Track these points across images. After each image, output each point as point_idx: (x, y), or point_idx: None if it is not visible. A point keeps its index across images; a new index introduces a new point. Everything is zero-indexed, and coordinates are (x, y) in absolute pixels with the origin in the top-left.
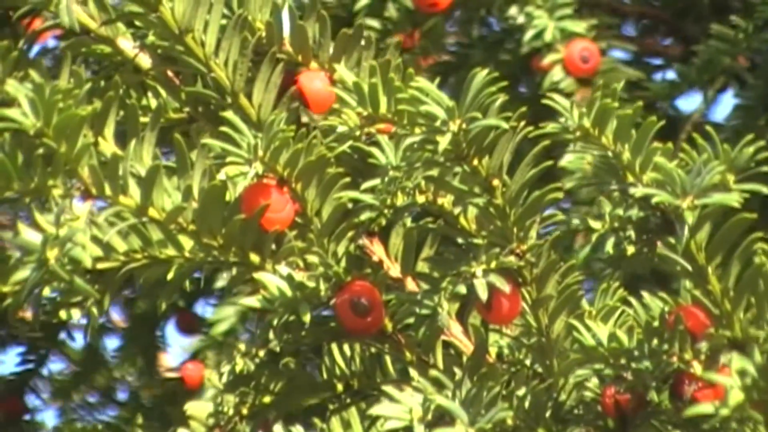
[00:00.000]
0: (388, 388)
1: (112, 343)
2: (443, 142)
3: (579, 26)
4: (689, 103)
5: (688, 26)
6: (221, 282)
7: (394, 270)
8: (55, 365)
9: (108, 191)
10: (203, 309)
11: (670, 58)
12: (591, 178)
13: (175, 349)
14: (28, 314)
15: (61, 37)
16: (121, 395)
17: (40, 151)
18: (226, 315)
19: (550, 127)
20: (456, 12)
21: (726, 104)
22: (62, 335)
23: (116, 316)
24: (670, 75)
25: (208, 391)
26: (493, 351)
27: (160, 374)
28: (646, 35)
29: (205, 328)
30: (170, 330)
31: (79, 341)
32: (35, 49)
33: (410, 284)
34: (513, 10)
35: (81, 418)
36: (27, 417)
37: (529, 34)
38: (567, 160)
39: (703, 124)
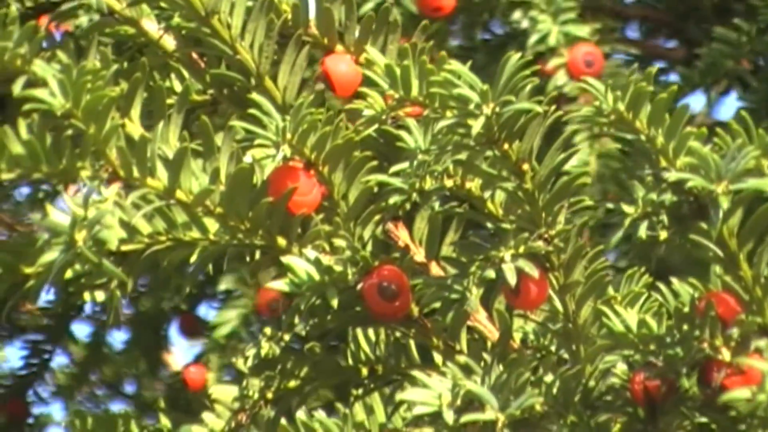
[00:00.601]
0: (417, 373)
1: (116, 339)
2: (476, 125)
3: (582, 30)
4: (693, 106)
5: (691, 29)
6: (224, 285)
7: (419, 255)
8: (60, 358)
9: (136, 173)
10: (206, 312)
11: (673, 61)
12: (595, 182)
13: (180, 350)
14: (34, 309)
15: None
16: (128, 388)
17: (69, 132)
18: (228, 318)
19: (585, 110)
20: (459, 16)
21: (729, 107)
22: (68, 330)
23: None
24: (673, 78)
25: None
26: (517, 337)
27: (163, 375)
28: (649, 38)
29: (208, 331)
30: (174, 333)
31: (83, 339)
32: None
33: (434, 269)
34: (517, 15)
35: (88, 410)
36: (30, 420)
37: (533, 38)
38: (571, 164)
39: (707, 123)
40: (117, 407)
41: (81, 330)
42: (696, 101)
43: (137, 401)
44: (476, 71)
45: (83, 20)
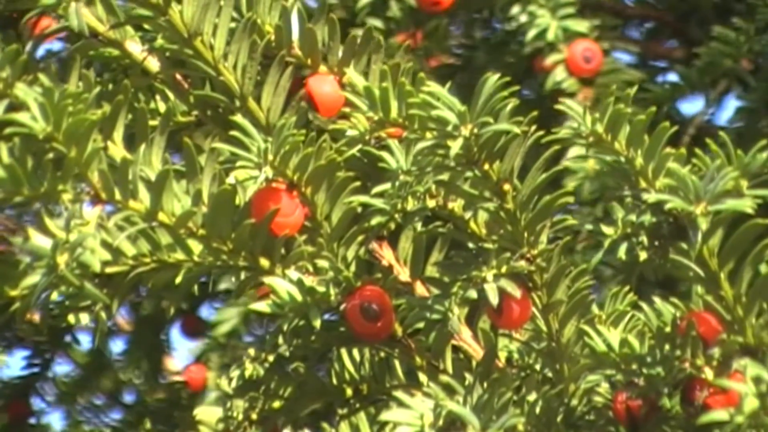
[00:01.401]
0: (399, 394)
1: (117, 346)
2: (455, 146)
3: (581, 26)
4: (692, 106)
5: (692, 29)
6: (226, 284)
7: (404, 274)
8: (61, 367)
9: (118, 196)
10: (208, 312)
11: (674, 60)
12: (593, 178)
13: (181, 353)
14: (35, 317)
15: (67, 39)
16: (128, 398)
17: (50, 155)
18: (228, 317)
19: (563, 132)
20: (459, 14)
21: (728, 107)
22: (68, 338)
23: (122, 319)
24: (672, 77)
25: (211, 393)
26: (502, 356)
27: (165, 378)
28: (649, 38)
29: (209, 331)
30: (175, 334)
31: (84, 344)
32: (40, 51)
33: (419, 289)
34: (515, 10)
35: (87, 420)
36: (33, 420)
37: (531, 33)
38: (570, 161)
39: (706, 127)
40: (116, 417)
41: (83, 338)
42: (695, 104)
43: (136, 411)
44: (477, 70)
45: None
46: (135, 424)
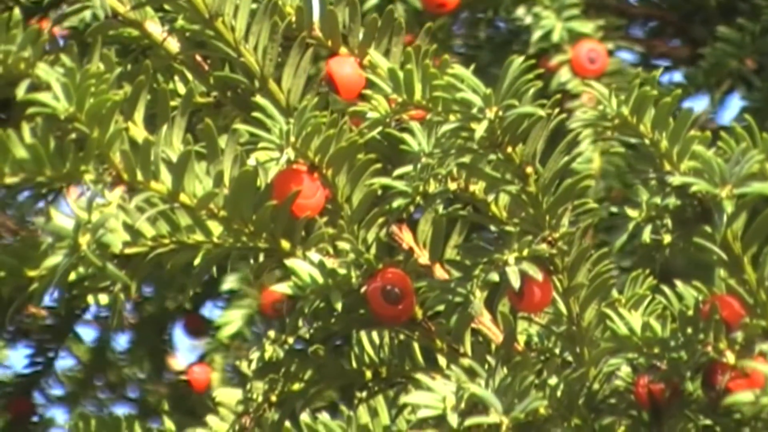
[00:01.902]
0: (421, 377)
1: (121, 341)
2: (480, 129)
3: (586, 27)
4: (697, 106)
5: (696, 28)
6: (228, 284)
7: (423, 257)
8: (65, 361)
9: (139, 177)
10: (211, 311)
11: (678, 60)
12: (599, 179)
13: (183, 352)
14: (39, 310)
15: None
16: (132, 393)
17: (72, 136)
18: (232, 318)
19: (589, 114)
20: (463, 14)
21: (733, 109)
22: (71, 334)
23: (126, 314)
24: (677, 77)
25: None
26: (521, 339)
27: (167, 377)
28: (653, 37)
29: (212, 331)
30: (178, 333)
31: (88, 341)
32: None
33: (438, 272)
34: (520, 11)
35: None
36: (35, 418)
37: (536, 34)
38: (576, 162)
39: (711, 128)
40: (121, 411)
41: (86, 334)
42: (700, 103)
43: (141, 405)
44: (480, 70)
45: (86, 15)
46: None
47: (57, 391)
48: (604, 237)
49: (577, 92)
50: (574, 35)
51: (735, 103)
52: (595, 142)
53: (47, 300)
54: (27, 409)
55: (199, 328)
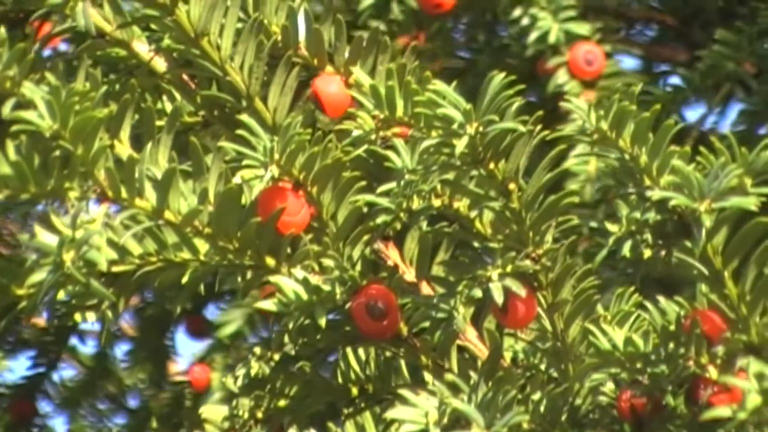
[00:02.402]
0: (404, 392)
1: (121, 350)
2: (460, 145)
3: (583, 28)
4: (695, 112)
5: (695, 32)
6: (230, 285)
7: (409, 274)
8: (66, 372)
9: (124, 194)
10: (213, 312)
11: (677, 63)
12: (596, 180)
13: (185, 357)
14: (39, 320)
15: (73, 40)
16: (132, 402)
17: (57, 153)
18: (232, 318)
19: (568, 129)
20: (462, 18)
21: (731, 113)
22: (73, 341)
23: (126, 324)
24: (674, 80)
25: (215, 393)
26: (507, 355)
27: (168, 380)
28: (652, 41)
29: (214, 332)
30: (180, 337)
31: (90, 347)
32: (46, 53)
33: (425, 288)
34: (517, 12)
35: (91, 425)
36: (37, 421)
37: (533, 35)
38: (571, 163)
39: (709, 133)
40: (120, 421)
41: (87, 341)
42: (698, 110)
43: (140, 415)
44: (480, 74)
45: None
46: (139, 429)
47: (58, 398)
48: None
49: (574, 94)
50: (570, 37)
51: (733, 109)
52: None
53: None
54: (28, 412)
55: (201, 329)
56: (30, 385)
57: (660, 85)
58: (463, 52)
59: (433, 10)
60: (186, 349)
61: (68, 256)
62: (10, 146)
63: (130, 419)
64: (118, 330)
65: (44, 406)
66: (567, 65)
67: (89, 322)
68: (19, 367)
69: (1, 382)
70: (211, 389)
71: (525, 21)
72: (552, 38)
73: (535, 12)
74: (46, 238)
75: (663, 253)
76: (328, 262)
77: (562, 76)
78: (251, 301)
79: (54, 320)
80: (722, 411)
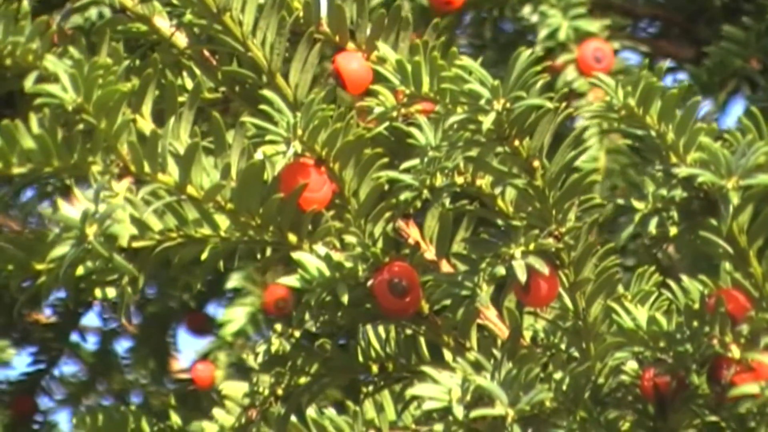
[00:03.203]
0: (427, 369)
1: (122, 347)
2: (487, 121)
3: (593, 26)
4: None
5: (701, 28)
6: (232, 283)
7: (429, 252)
8: (68, 368)
9: (147, 168)
10: (215, 310)
11: (682, 60)
12: (604, 177)
13: (187, 354)
14: (40, 316)
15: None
16: (135, 399)
17: (80, 127)
18: (236, 316)
19: (595, 105)
20: (469, 13)
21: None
22: (75, 337)
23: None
24: (682, 77)
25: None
26: (527, 335)
27: (171, 377)
28: (658, 37)
29: (216, 329)
30: (182, 335)
31: (91, 344)
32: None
33: (445, 267)
34: (526, 10)
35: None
36: (39, 418)
37: (542, 33)
38: (581, 160)
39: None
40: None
41: (89, 338)
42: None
43: (145, 410)
44: (485, 69)
45: (92, 13)
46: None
47: (60, 393)
48: (608, 237)
49: (583, 91)
50: (580, 34)
51: (739, 107)
52: (602, 141)
53: (53, 300)
54: (29, 408)
55: (203, 326)
56: (31, 382)
57: (667, 82)
58: (468, 48)
59: (443, 7)
60: (188, 345)
61: (91, 230)
62: (33, 119)
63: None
64: (120, 327)
65: (46, 402)
66: (576, 62)
67: (109, 297)
68: (19, 363)
69: (2, 379)
70: (215, 387)
71: (534, 18)
72: (562, 35)
73: (545, 9)
74: (69, 211)
75: (689, 231)
76: (349, 239)
77: (570, 73)
78: (254, 299)
79: (72, 297)
80: (750, 388)
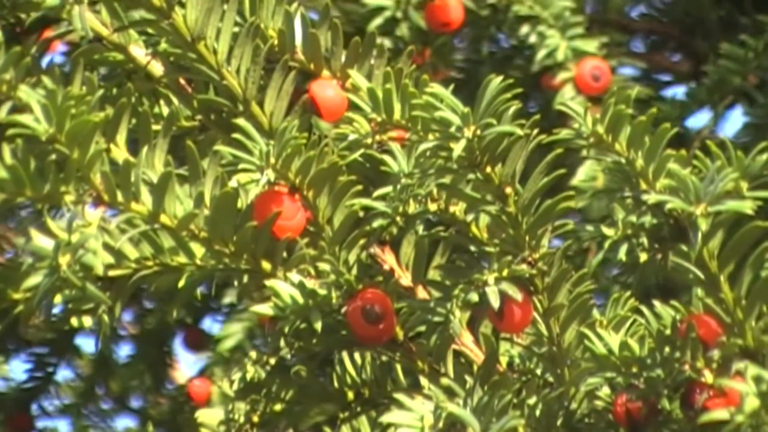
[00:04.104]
0: (400, 396)
1: (124, 351)
2: (458, 148)
3: (590, 45)
4: (698, 120)
5: (697, 43)
6: (229, 298)
7: (405, 279)
8: (66, 372)
9: (120, 198)
10: (211, 325)
11: (679, 74)
12: (602, 193)
13: (186, 366)
14: (39, 321)
15: (71, 47)
16: (135, 403)
17: (53, 157)
18: (233, 331)
19: (564, 133)
20: (465, 29)
21: (735, 121)
22: (73, 344)
23: (128, 324)
24: (680, 92)
25: (215, 406)
26: (503, 360)
27: (168, 391)
28: (654, 52)
29: (213, 345)
30: (179, 347)
31: (89, 349)
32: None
33: (421, 293)
34: (524, 29)
35: (94, 425)
36: (39, 424)
37: (541, 53)
38: (578, 179)
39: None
40: (124, 422)
41: (87, 343)
42: (702, 118)
43: (144, 416)
44: (480, 86)
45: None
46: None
47: (59, 403)
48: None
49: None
50: (578, 54)
51: (737, 118)
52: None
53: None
54: (26, 425)
55: (199, 342)
56: (27, 397)
57: (665, 98)
58: (465, 63)
59: (441, 28)
60: (187, 356)
61: (64, 260)
62: (6, 150)
63: (134, 419)
64: (123, 329)
65: (47, 406)
66: (574, 81)
67: (86, 326)
68: (19, 368)
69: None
70: (211, 402)
71: (533, 39)
72: (560, 56)
73: (543, 30)
74: (41, 241)
75: (659, 257)
76: (324, 266)
77: (568, 92)
78: (251, 314)
79: (49, 326)
80: (720, 414)
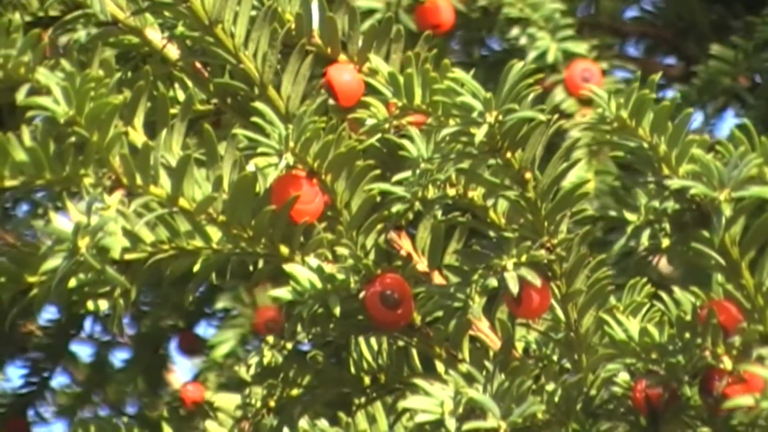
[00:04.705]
0: (420, 381)
1: (117, 357)
2: (480, 133)
3: (581, 47)
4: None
5: (689, 46)
6: (222, 303)
7: (422, 264)
8: (62, 378)
9: (139, 181)
10: (205, 330)
11: (671, 77)
12: (594, 198)
13: (181, 369)
14: (35, 329)
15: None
16: (130, 409)
17: (72, 139)
18: (226, 338)
19: (589, 117)
20: (457, 33)
21: (731, 122)
22: (68, 349)
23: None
24: (671, 95)
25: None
26: (519, 346)
27: (164, 394)
28: (647, 55)
29: (207, 350)
30: (174, 351)
31: (85, 356)
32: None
33: (437, 279)
34: (515, 31)
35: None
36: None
37: (531, 55)
38: (569, 181)
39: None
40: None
41: (83, 350)
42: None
43: (140, 421)
44: None
45: (81, 35)
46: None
47: (54, 408)
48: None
49: (572, 112)
50: (568, 56)
51: (729, 120)
52: (590, 162)
53: (43, 319)
54: (23, 429)
55: (194, 346)
56: (23, 402)
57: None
58: (457, 67)
59: (431, 30)
60: (180, 361)
61: (83, 243)
62: (26, 132)
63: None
64: (114, 339)
65: (43, 413)
66: (564, 83)
67: (101, 310)
68: (15, 374)
69: None
70: (204, 408)
71: (523, 40)
72: (550, 58)
73: (534, 31)
74: (61, 224)
75: (681, 242)
76: (341, 251)
77: (559, 94)
78: (244, 320)
79: (64, 310)
80: (744, 400)
